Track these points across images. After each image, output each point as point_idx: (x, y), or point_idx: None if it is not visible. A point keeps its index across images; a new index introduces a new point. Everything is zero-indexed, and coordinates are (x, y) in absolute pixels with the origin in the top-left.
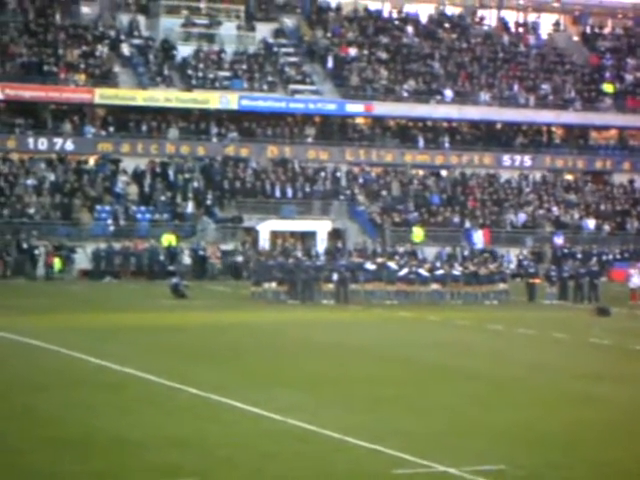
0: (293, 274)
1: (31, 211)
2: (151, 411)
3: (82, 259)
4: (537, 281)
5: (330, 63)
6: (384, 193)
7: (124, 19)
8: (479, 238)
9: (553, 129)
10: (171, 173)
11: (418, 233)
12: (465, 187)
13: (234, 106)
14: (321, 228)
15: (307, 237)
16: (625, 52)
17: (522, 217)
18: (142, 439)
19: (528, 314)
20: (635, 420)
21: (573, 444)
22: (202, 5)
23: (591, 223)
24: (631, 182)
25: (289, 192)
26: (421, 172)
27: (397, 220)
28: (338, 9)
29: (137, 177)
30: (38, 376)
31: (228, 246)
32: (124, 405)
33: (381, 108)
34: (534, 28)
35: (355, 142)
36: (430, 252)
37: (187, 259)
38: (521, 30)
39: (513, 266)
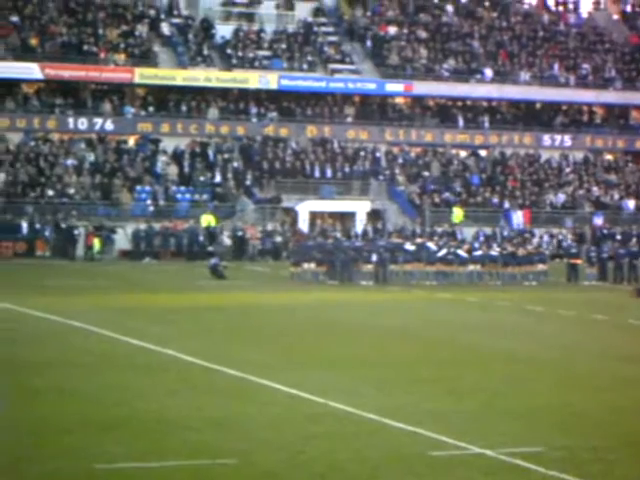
0: (332, 255)
1: (71, 191)
2: (191, 392)
3: (122, 240)
4: (579, 262)
5: (369, 42)
6: (424, 173)
7: None
8: (518, 219)
9: (593, 109)
10: (211, 153)
11: (458, 214)
12: (505, 167)
13: (274, 86)
14: (360, 208)
15: (346, 217)
16: None
17: (562, 197)
18: (182, 420)
19: (567, 295)
20: None
21: (612, 426)
22: None
23: (631, 204)
24: None
25: (328, 172)
26: (461, 152)
27: (437, 200)
28: None
29: (177, 157)
30: (78, 357)
31: (267, 226)
32: (164, 386)
33: (421, 87)
34: (574, 7)
35: (394, 122)
36: (469, 233)
37: (226, 240)
38: (561, 9)
39: (552, 247)
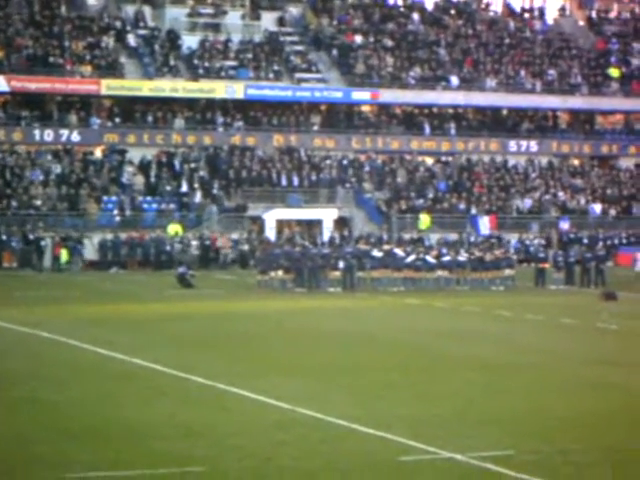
0: (299, 262)
1: (38, 202)
2: (160, 401)
3: (89, 250)
4: (546, 266)
5: (335, 51)
6: (390, 181)
7: (130, 10)
8: (485, 224)
9: (559, 114)
10: (177, 163)
11: (425, 220)
12: (471, 173)
13: (240, 95)
14: (327, 216)
15: (313, 225)
16: (631, 36)
17: (528, 202)
18: (151, 429)
19: (535, 299)
20: None
21: (583, 430)
22: None
23: (597, 208)
24: (637, 166)
25: (295, 180)
26: (428, 159)
27: (403, 207)
28: None
29: (143, 167)
30: (45, 367)
31: (234, 235)
32: (133, 395)
33: (387, 95)
34: (540, 13)
35: (361, 130)
36: (436, 239)
37: (194, 249)
38: (527, 15)
39: (521, 252)
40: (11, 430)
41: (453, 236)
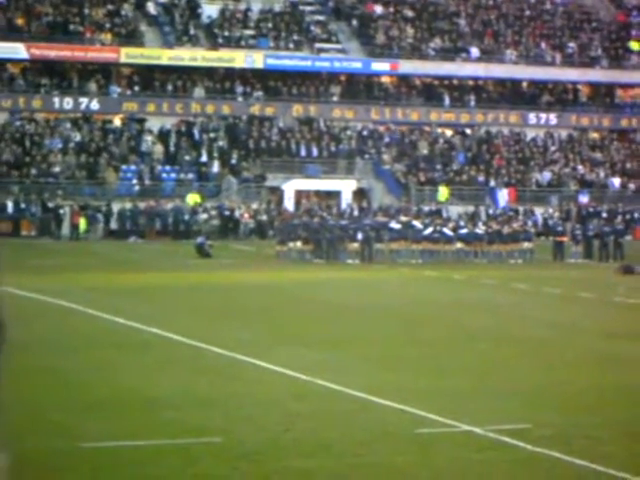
0: (318, 233)
1: (56, 171)
2: (176, 371)
3: (111, 218)
4: (564, 239)
5: (356, 21)
6: (409, 152)
7: None
8: (503, 197)
9: (579, 87)
10: (196, 132)
11: (444, 192)
12: (490, 146)
13: (260, 65)
14: (346, 187)
15: (332, 196)
16: None
17: (547, 176)
18: (167, 399)
19: (553, 273)
20: None
21: (599, 404)
22: None
23: (616, 181)
24: None
25: (314, 151)
26: (447, 131)
27: (422, 179)
28: None
29: (162, 136)
30: (62, 336)
31: (253, 205)
32: (149, 365)
33: (407, 66)
34: None
35: (380, 101)
36: (455, 211)
37: (212, 218)
38: None
39: (539, 224)
40: (26, 398)
41: (472, 208)
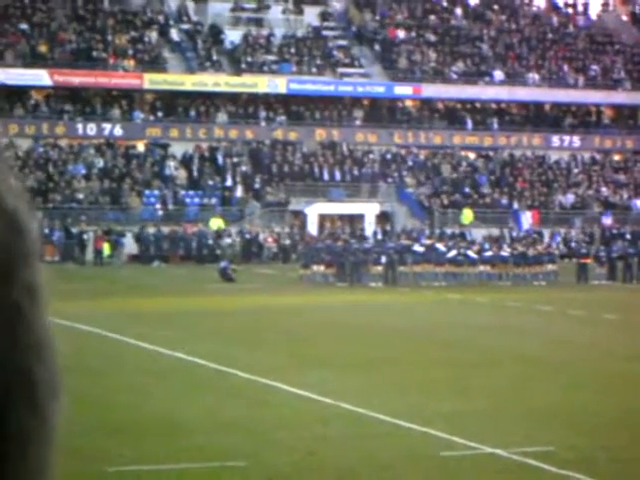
0: (341, 257)
1: (80, 196)
2: (201, 395)
3: (131, 243)
4: (588, 261)
5: (378, 46)
6: (432, 175)
7: (173, 4)
8: (527, 219)
9: (602, 109)
10: (220, 157)
11: (468, 215)
12: (514, 168)
13: (283, 90)
14: (369, 211)
15: (355, 220)
16: None
17: (571, 198)
18: (192, 423)
19: (577, 295)
20: None
21: (624, 426)
22: None
23: None
24: None
25: (337, 175)
26: (470, 154)
27: (445, 202)
28: None
29: (186, 161)
30: (87, 360)
31: (276, 229)
32: (174, 389)
33: (429, 90)
34: (583, 8)
35: (403, 124)
36: (478, 234)
37: (236, 243)
38: (570, 11)
39: (563, 247)
40: None
41: (496, 231)
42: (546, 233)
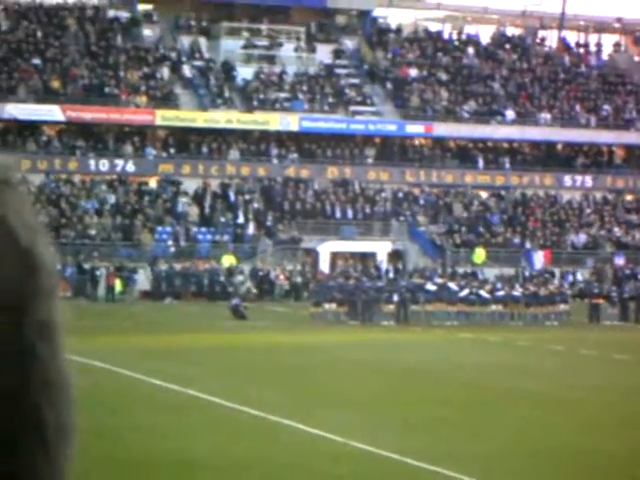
0: (353, 295)
1: (92, 232)
2: (212, 432)
3: (143, 280)
4: (600, 301)
5: (390, 84)
6: (444, 214)
7: (185, 41)
8: (539, 259)
9: (614, 149)
10: (231, 194)
11: (480, 254)
12: (526, 208)
13: (295, 127)
14: (381, 249)
15: (367, 258)
16: None
17: (583, 238)
18: (205, 460)
19: (589, 335)
20: None
21: (636, 468)
22: (263, 27)
23: None
24: None
25: (349, 213)
26: (482, 193)
27: (458, 241)
28: (398, 30)
29: (198, 198)
30: (100, 397)
31: (288, 267)
32: (186, 427)
33: (441, 129)
34: (596, 49)
35: (415, 163)
36: (491, 273)
37: (248, 280)
38: (582, 51)
39: (576, 287)
40: None
41: (509, 271)
42: (558, 273)
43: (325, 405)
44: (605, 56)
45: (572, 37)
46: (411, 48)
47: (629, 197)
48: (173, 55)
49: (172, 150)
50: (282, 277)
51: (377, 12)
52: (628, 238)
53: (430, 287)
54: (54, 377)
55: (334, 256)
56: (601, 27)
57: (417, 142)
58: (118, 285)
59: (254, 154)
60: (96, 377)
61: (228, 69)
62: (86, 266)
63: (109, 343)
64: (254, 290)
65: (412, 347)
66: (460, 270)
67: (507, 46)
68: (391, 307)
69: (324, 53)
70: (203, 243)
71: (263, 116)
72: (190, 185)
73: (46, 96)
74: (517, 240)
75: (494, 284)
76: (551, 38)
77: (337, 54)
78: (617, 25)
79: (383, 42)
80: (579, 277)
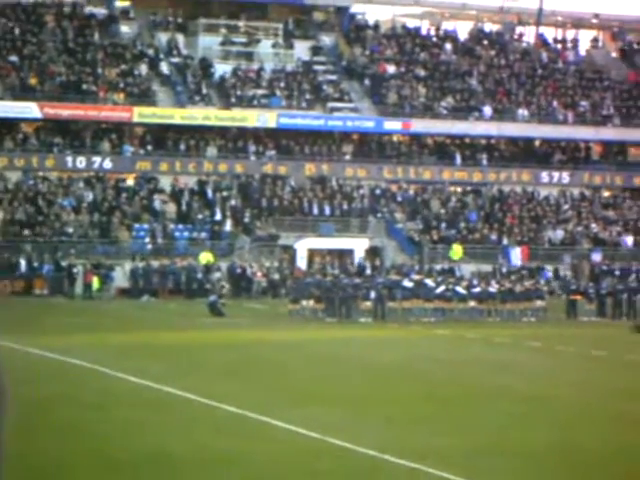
0: (331, 292)
1: (69, 230)
2: (191, 430)
3: (120, 277)
4: (577, 297)
5: (368, 81)
6: (422, 211)
7: (163, 38)
8: (516, 255)
9: (591, 145)
10: (209, 191)
11: (457, 250)
12: (503, 204)
13: (272, 124)
14: (359, 246)
15: (345, 255)
16: None
17: (560, 234)
18: (184, 457)
19: (566, 331)
20: None
21: (615, 464)
22: (240, 24)
23: (629, 240)
24: None
25: (327, 210)
26: (459, 189)
27: (435, 238)
28: (376, 27)
29: (175, 195)
30: (78, 395)
31: (265, 264)
32: (164, 424)
33: (419, 125)
34: (573, 44)
35: (393, 159)
36: (468, 269)
37: (225, 277)
38: (559, 47)
39: (554, 283)
40: (43, 457)
41: (486, 267)
42: (535, 269)
43: (303, 402)
44: (583, 52)
45: (550, 33)
46: (389, 44)
47: (606, 193)
48: (150, 52)
49: (149, 147)
50: (259, 274)
51: (355, 8)
52: (605, 234)
53: (407, 284)
54: None
55: (311, 253)
56: (579, 23)
57: (395, 138)
58: (95, 282)
59: (231, 151)
60: (73, 374)
61: (206, 66)
62: (63, 263)
63: (86, 341)
64: (227, 286)
65: (390, 344)
66: (437, 267)
67: (485, 42)
68: (368, 304)
69: (302, 50)
70: (180, 240)
71: (241, 113)
72: (167, 182)
73: (23, 93)
74: (494, 236)
75: (470, 280)
76: (529, 34)
77: (315, 51)
78: (594, 21)
79: (361, 38)
80: (559, 274)
